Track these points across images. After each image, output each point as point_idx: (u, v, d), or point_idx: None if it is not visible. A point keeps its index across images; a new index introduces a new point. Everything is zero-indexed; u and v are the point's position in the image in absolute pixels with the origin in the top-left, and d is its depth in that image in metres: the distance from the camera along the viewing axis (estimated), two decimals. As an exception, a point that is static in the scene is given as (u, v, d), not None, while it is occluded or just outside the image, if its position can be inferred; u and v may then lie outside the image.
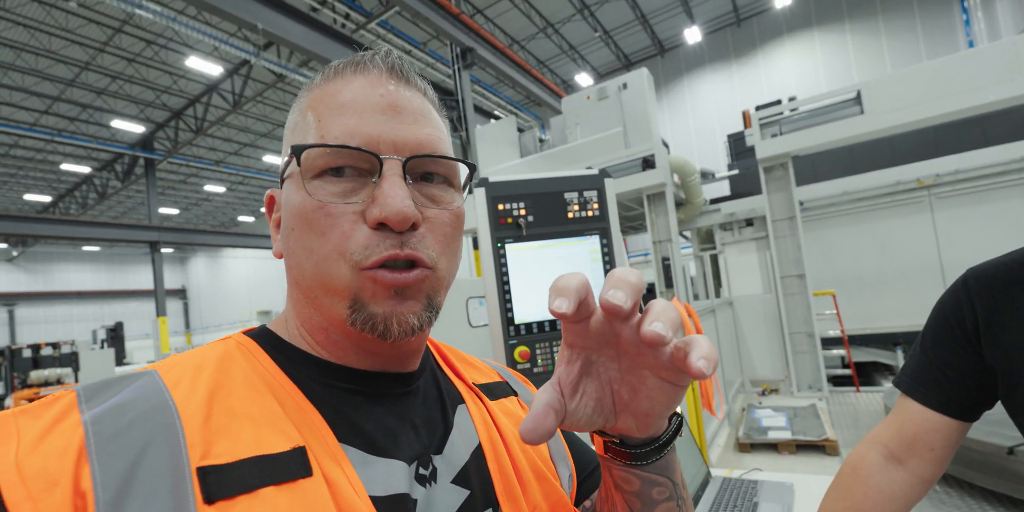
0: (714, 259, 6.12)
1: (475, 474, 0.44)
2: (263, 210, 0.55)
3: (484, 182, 1.54)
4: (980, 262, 0.71)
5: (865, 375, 4.73)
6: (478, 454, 0.45)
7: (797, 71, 13.04)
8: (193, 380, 0.37)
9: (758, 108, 4.97)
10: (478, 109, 12.08)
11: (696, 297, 6.21)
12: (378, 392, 0.43)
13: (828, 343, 4.58)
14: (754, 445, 3.12)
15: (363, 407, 0.42)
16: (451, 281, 0.45)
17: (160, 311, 14.30)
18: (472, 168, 0.46)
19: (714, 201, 5.96)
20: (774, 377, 4.65)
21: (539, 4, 12.50)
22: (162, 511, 0.29)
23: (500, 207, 1.52)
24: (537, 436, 0.32)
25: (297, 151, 0.39)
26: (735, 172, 6.27)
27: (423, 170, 0.42)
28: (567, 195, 1.54)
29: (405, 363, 0.45)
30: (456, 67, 8.78)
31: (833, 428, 3.12)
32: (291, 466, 0.34)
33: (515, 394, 0.57)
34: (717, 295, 5.97)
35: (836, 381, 4.68)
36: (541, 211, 1.54)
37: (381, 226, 0.38)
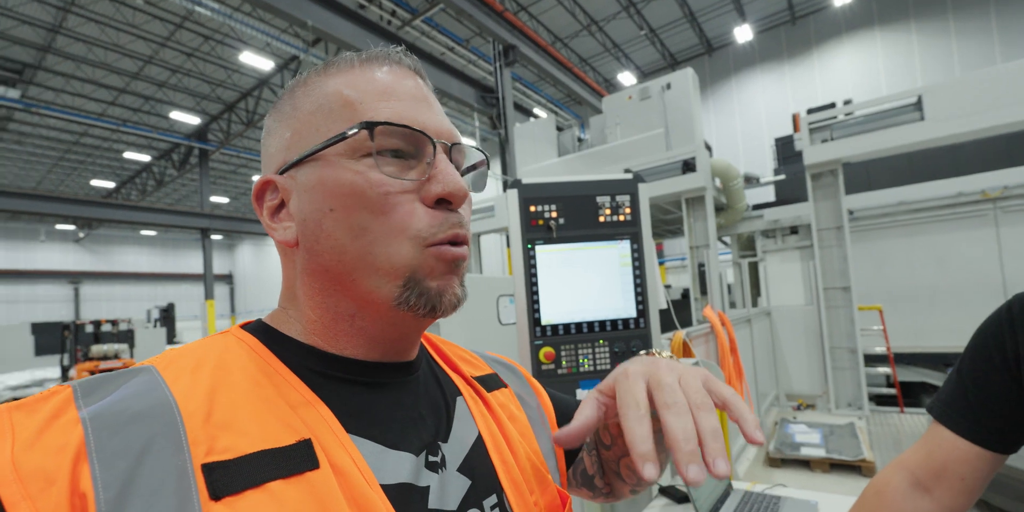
0: (754, 267, 5.92)
1: (477, 463, 0.45)
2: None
3: (517, 184, 1.54)
4: None
5: (912, 395, 4.48)
6: (478, 444, 0.47)
7: (855, 73, 12.39)
8: (193, 376, 0.36)
9: (810, 111, 4.76)
10: (518, 107, 12.09)
11: (732, 305, 6.04)
12: (381, 382, 0.43)
13: (873, 360, 4.36)
14: (785, 460, 3.01)
15: (369, 397, 0.42)
16: None
17: (208, 294, 15.04)
18: (486, 158, 0.50)
19: (757, 207, 5.76)
20: (811, 392, 4.47)
21: (584, 1, 12.35)
22: (166, 509, 0.29)
23: (532, 209, 1.52)
24: (571, 444, 0.39)
25: (370, 126, 0.39)
26: (781, 177, 6.04)
27: (452, 159, 0.45)
28: (599, 199, 1.53)
29: (407, 352, 0.46)
30: (498, 64, 8.80)
31: (871, 449, 2.99)
32: (297, 459, 0.34)
33: (506, 386, 0.58)
34: (755, 304, 5.78)
35: (879, 400, 4.46)
36: (572, 214, 1.53)
37: (439, 203, 0.41)
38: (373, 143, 0.39)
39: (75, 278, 22.04)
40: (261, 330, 0.44)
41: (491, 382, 0.56)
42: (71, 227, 21.78)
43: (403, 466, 0.39)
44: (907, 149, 3.70)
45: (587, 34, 13.54)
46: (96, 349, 6.58)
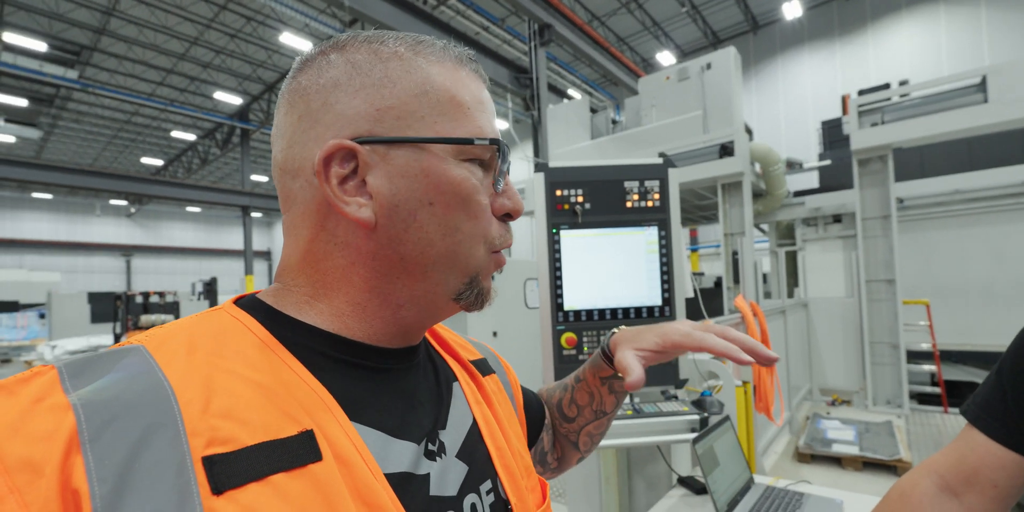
0: (791, 256, 5.71)
1: (473, 449, 0.46)
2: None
3: (544, 167, 1.52)
4: None
5: (958, 395, 4.27)
6: (473, 430, 0.48)
7: (913, 52, 11.54)
8: (188, 360, 0.33)
9: (861, 92, 4.49)
10: (552, 88, 11.86)
11: (768, 295, 5.86)
12: (385, 367, 0.43)
13: (917, 357, 4.18)
14: (815, 457, 2.94)
15: (371, 383, 0.41)
16: None
17: (248, 270, 15.65)
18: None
19: (798, 194, 5.52)
20: (847, 388, 4.33)
21: (625, -23, 11.92)
22: (165, 505, 0.27)
23: (558, 193, 1.50)
24: (639, 387, 0.51)
25: (503, 148, 0.44)
26: (826, 163, 5.75)
27: None
28: (627, 184, 1.49)
29: (418, 335, 0.46)
30: (533, 44, 8.63)
31: (909, 449, 2.88)
32: (300, 451, 0.32)
33: (493, 372, 0.58)
34: (790, 295, 5.59)
35: (921, 399, 4.27)
36: (599, 199, 1.50)
37: (505, 217, 0.46)
38: (500, 161, 0.44)
39: (127, 251, 23.29)
40: (256, 307, 0.41)
41: (484, 367, 0.57)
42: (123, 202, 22.93)
43: (405, 455, 0.39)
44: (967, 134, 3.45)
45: (626, 12, 13.08)
46: (145, 319, 6.97)
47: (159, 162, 20.59)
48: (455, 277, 0.42)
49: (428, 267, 0.41)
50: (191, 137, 17.61)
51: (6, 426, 0.27)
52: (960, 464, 0.66)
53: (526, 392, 0.66)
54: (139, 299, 7.46)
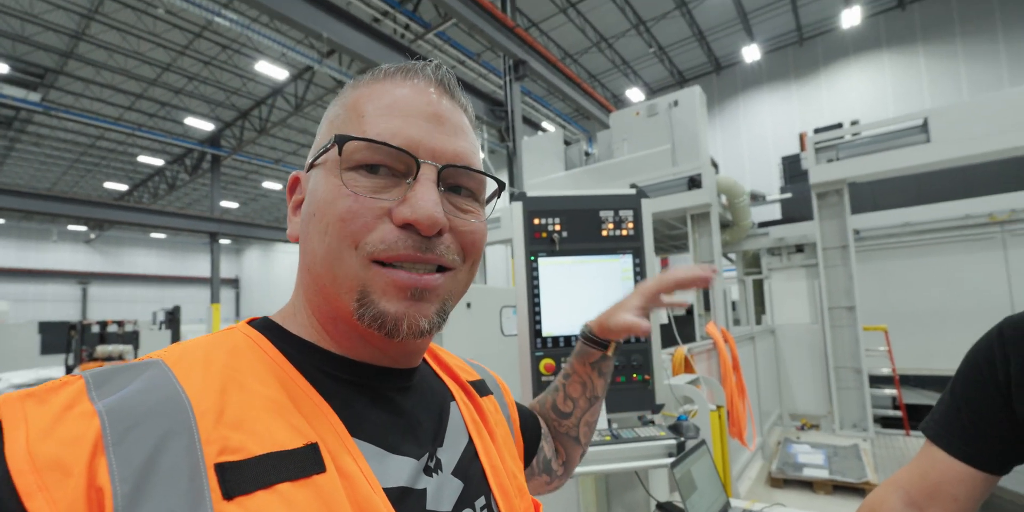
0: (758, 284, 5.90)
1: (468, 466, 0.47)
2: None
3: (521, 196, 1.57)
4: (1019, 311, 0.67)
5: (918, 418, 4.41)
6: (469, 448, 0.49)
7: (862, 94, 12.44)
8: (204, 373, 0.36)
9: (817, 131, 4.79)
10: (526, 120, 12.19)
11: (737, 322, 6.00)
12: (383, 386, 0.45)
13: (878, 381, 4.32)
14: (787, 481, 2.97)
15: (372, 401, 0.43)
16: (465, 291, 0.47)
17: (214, 298, 15.11)
18: (501, 185, 0.48)
19: (763, 224, 5.76)
20: (815, 412, 4.42)
21: (594, 19, 12.54)
22: (179, 506, 0.29)
23: (536, 221, 1.54)
24: (648, 330, 0.65)
25: (341, 140, 0.40)
26: (787, 195, 6.05)
27: (454, 181, 0.43)
28: (603, 213, 1.55)
29: (411, 359, 0.47)
30: (508, 78, 8.92)
31: (876, 472, 2.94)
32: (305, 462, 0.34)
33: (491, 394, 0.60)
34: (759, 322, 5.75)
35: (885, 422, 4.39)
36: (576, 227, 1.55)
37: (407, 227, 0.40)
38: (340, 158, 0.40)
39: (84, 278, 22.23)
40: (268, 327, 0.44)
41: (481, 388, 0.58)
42: (83, 228, 22.05)
43: (404, 470, 0.41)
44: (913, 170, 3.71)
45: (596, 51, 13.71)
46: (101, 349, 6.62)
47: (123, 187, 19.99)
48: (346, 293, 0.40)
49: (320, 278, 0.41)
50: (159, 162, 17.24)
51: (39, 430, 0.29)
52: (923, 480, 0.70)
53: (521, 409, 0.67)
54: (95, 328, 7.10)
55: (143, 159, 16.74)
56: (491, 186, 0.48)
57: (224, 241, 25.05)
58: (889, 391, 4.28)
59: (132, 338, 7.34)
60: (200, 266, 25.32)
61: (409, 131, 0.41)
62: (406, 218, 0.39)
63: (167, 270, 25.06)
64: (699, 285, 0.67)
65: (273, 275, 26.28)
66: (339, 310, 0.41)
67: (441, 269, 0.42)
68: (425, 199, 0.39)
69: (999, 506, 1.59)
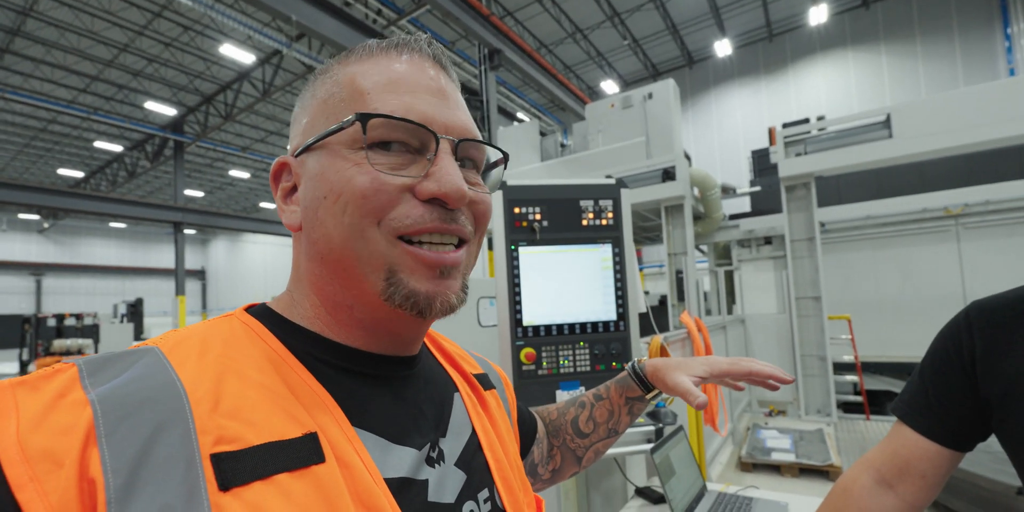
0: (729, 275, 6.05)
1: (471, 458, 0.46)
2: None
3: (502, 185, 1.55)
4: (984, 296, 0.70)
5: (877, 404, 4.63)
6: (472, 440, 0.48)
7: (828, 90, 12.83)
8: (199, 361, 0.35)
9: (785, 125, 4.91)
10: (502, 110, 12.12)
11: (708, 312, 6.15)
12: (384, 374, 0.43)
13: (841, 368, 4.50)
14: (756, 465, 3.08)
15: (373, 390, 0.42)
16: (475, 263, 0.47)
17: (179, 290, 14.62)
18: (506, 156, 0.49)
19: (733, 217, 5.90)
20: (782, 399, 4.58)
21: (570, 9, 12.50)
22: (174, 498, 0.28)
23: (516, 210, 1.54)
24: (705, 405, 0.58)
25: (364, 118, 0.38)
26: (757, 189, 6.19)
27: (464, 154, 0.43)
28: (583, 202, 1.55)
29: (412, 346, 0.46)
30: (483, 68, 8.83)
31: (839, 455, 3.07)
32: (304, 452, 0.33)
33: (494, 388, 0.59)
34: (730, 312, 5.90)
35: (847, 408, 4.59)
36: (556, 217, 1.54)
37: (432, 201, 0.39)
38: (365, 136, 0.39)
39: (37, 270, 21.16)
40: (266, 315, 0.43)
41: (485, 381, 0.57)
42: (35, 217, 20.93)
43: (405, 461, 0.40)
44: (876, 165, 3.84)
45: (572, 42, 13.69)
46: (58, 344, 6.33)
47: (79, 174, 19.03)
48: (372, 272, 0.39)
49: (340, 263, 0.40)
50: (117, 148, 16.44)
51: (29, 420, 0.29)
52: (893, 458, 0.73)
53: (519, 408, 0.67)
54: (52, 322, 6.78)
55: (100, 145, 15.93)
56: (496, 154, 0.49)
57: (189, 231, 24.21)
58: (851, 377, 4.46)
59: (92, 332, 7.05)
60: (164, 257, 24.42)
61: (421, 106, 0.40)
62: (433, 192, 0.39)
63: (128, 261, 24.06)
64: (768, 387, 0.63)
65: (241, 265, 25.54)
66: (364, 293, 0.40)
67: (459, 244, 0.42)
68: (452, 173, 0.40)
69: (962, 489, 1.69)
